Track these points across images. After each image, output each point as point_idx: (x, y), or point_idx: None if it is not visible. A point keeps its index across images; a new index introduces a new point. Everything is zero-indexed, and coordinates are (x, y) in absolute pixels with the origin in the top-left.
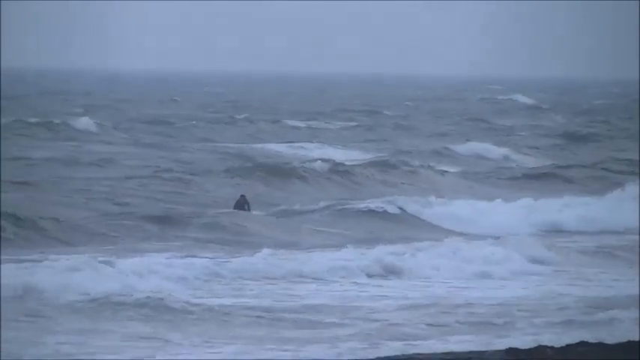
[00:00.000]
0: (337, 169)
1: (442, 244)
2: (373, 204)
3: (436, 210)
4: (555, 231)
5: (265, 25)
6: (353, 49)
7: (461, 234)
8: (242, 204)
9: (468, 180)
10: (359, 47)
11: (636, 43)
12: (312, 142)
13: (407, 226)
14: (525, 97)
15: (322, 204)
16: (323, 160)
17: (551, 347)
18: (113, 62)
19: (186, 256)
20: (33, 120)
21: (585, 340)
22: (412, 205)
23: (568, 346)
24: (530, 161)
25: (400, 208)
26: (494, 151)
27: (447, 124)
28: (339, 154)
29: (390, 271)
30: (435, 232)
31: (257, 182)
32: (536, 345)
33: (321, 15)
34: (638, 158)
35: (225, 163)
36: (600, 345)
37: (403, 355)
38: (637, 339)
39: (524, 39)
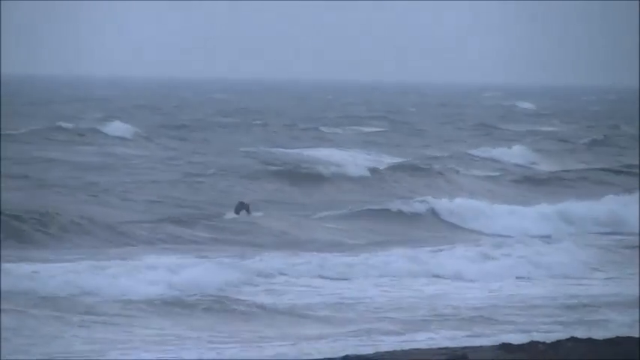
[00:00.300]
0: (367, 173)
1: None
2: (406, 205)
3: (468, 211)
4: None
5: (261, 32)
6: (350, 57)
7: (497, 236)
8: (241, 209)
9: (494, 183)
10: (356, 55)
11: (629, 49)
12: (334, 147)
13: (440, 228)
14: (527, 103)
15: (355, 206)
16: (354, 164)
17: (543, 343)
18: (107, 69)
19: (228, 257)
20: (62, 124)
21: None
22: (444, 207)
23: (558, 341)
24: (550, 165)
25: (432, 210)
26: (512, 154)
27: (458, 129)
28: (362, 158)
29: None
30: (468, 233)
31: (288, 186)
32: (528, 341)
33: (317, 23)
34: None
35: (252, 167)
36: (589, 340)
37: (401, 350)
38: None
39: (516, 46)
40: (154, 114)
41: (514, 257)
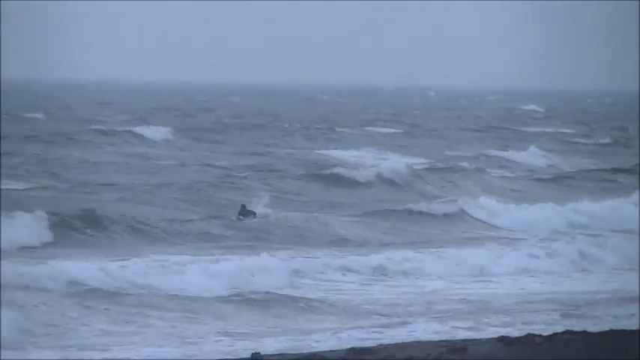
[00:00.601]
0: (395, 174)
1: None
2: (442, 205)
3: (503, 212)
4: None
5: (261, 36)
6: (351, 61)
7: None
8: (247, 213)
9: (519, 183)
10: (357, 59)
11: (626, 54)
12: (362, 149)
13: (478, 227)
14: (532, 106)
15: (391, 206)
16: (386, 164)
17: (540, 335)
18: (103, 73)
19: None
20: (96, 127)
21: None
22: (476, 206)
23: (554, 334)
24: (567, 164)
25: (464, 210)
26: (529, 155)
27: (471, 131)
28: (392, 159)
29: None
30: (499, 231)
31: (325, 186)
32: (525, 333)
33: (316, 27)
34: None
35: (288, 168)
36: (584, 333)
37: (403, 342)
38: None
39: (514, 50)
40: (179, 117)
41: (565, 252)
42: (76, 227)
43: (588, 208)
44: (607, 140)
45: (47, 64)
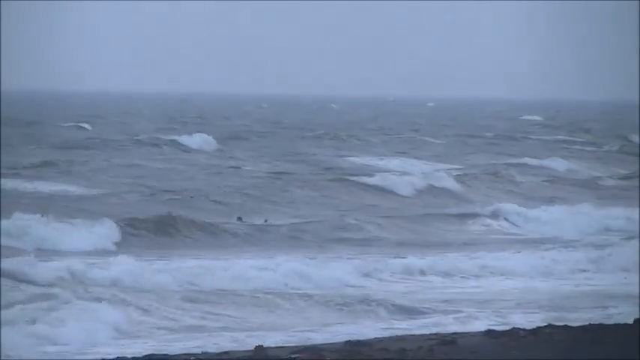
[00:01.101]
0: (434, 179)
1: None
2: (483, 209)
3: (534, 216)
4: None
5: (259, 49)
6: (353, 72)
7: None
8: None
9: (554, 189)
10: (357, 71)
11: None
12: (389, 155)
13: (521, 231)
14: (535, 116)
15: (434, 210)
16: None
17: (524, 329)
18: (98, 84)
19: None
20: (141, 137)
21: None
22: (516, 211)
23: (538, 328)
24: (589, 170)
25: (503, 216)
26: (550, 163)
27: (487, 141)
28: (420, 166)
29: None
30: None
31: (359, 192)
32: (510, 327)
33: (315, 39)
34: None
35: (323, 175)
36: (565, 327)
37: (396, 336)
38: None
39: (509, 61)
40: (204, 125)
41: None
42: (153, 230)
43: (622, 212)
44: (615, 148)
45: (63, 75)
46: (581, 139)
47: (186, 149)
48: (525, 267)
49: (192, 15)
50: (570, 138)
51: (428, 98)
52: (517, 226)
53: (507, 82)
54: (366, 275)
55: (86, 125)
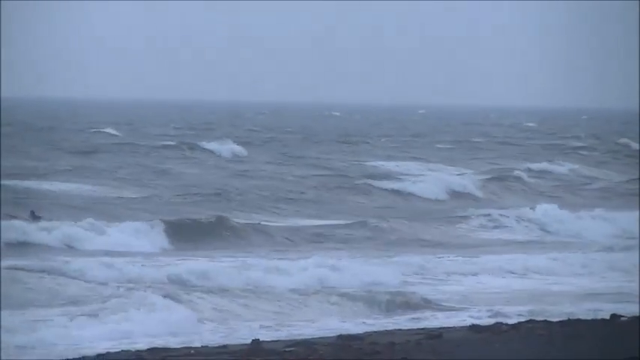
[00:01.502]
0: (454, 183)
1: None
2: (508, 212)
3: (570, 219)
4: None
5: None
6: (350, 81)
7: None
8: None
9: (574, 193)
10: (352, 79)
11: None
12: (412, 161)
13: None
14: (531, 123)
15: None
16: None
17: (506, 324)
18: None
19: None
20: (168, 143)
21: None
22: (551, 214)
23: (519, 323)
24: (598, 174)
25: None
26: (562, 167)
27: (490, 145)
28: (437, 170)
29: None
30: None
31: (388, 195)
32: (494, 322)
33: (325, 44)
34: None
35: (351, 179)
36: (545, 322)
37: (385, 330)
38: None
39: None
40: (225, 132)
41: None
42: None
43: None
44: (620, 153)
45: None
46: (583, 144)
47: (214, 155)
48: (566, 267)
49: (191, 18)
50: (577, 144)
51: (418, 106)
52: (548, 231)
53: (486, 89)
54: (416, 274)
55: (113, 131)
